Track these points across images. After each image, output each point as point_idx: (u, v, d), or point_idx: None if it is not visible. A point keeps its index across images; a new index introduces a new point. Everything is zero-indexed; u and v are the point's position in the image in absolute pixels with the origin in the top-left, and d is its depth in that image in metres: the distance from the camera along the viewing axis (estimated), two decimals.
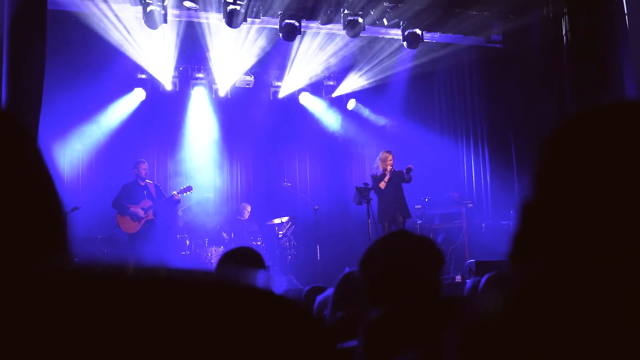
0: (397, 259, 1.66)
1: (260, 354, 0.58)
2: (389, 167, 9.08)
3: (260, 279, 0.60)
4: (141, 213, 9.03)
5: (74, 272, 0.57)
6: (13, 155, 0.61)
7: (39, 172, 0.63)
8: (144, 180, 9.29)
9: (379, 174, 9.18)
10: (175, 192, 9.39)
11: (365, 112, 12.27)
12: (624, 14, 7.64)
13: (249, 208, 10.46)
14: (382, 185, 9.04)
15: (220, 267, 2.73)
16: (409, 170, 8.99)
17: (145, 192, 9.20)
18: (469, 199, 10.72)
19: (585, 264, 0.65)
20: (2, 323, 0.52)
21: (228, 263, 2.67)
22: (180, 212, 9.69)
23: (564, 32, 9.05)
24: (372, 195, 8.73)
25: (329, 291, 2.63)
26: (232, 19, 9.02)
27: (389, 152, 9.27)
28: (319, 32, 10.36)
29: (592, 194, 0.67)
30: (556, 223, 0.69)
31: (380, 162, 9.21)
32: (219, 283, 0.61)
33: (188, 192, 9.52)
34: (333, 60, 11.28)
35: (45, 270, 0.57)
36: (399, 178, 9.12)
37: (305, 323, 0.62)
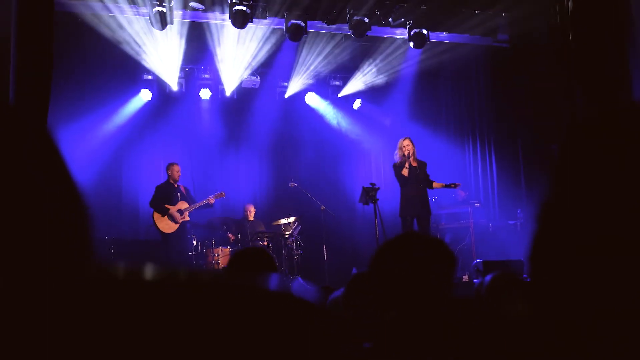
0: (409, 260, 1.65)
1: (281, 353, 0.59)
2: (406, 153, 8.59)
3: (281, 281, 0.61)
4: (178, 216, 9.22)
5: (103, 275, 0.58)
6: (35, 157, 0.62)
7: (61, 173, 0.63)
8: (176, 182, 9.44)
9: (398, 161, 8.69)
10: (210, 197, 9.49)
11: (372, 112, 12.28)
12: (631, 16, 7.60)
13: (252, 209, 10.47)
14: (405, 172, 8.55)
15: (231, 267, 2.73)
16: (455, 186, 8.89)
17: (178, 194, 9.37)
18: (475, 198, 10.71)
19: (606, 264, 0.65)
20: (30, 326, 0.53)
21: (239, 263, 2.67)
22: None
23: (571, 30, 9.02)
24: (379, 195, 8.64)
25: (339, 291, 2.63)
26: (238, 20, 9.03)
27: (405, 137, 8.82)
28: (324, 32, 10.36)
29: (611, 194, 0.67)
30: (576, 224, 0.69)
31: (398, 149, 8.71)
32: (242, 285, 0.61)
33: (221, 197, 9.69)
34: (339, 61, 11.28)
35: (75, 273, 0.57)
36: (424, 173, 8.72)
37: (326, 324, 0.63)
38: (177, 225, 9.23)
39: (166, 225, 9.22)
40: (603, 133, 0.72)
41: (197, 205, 9.46)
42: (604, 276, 0.65)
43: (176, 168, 9.45)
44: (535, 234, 0.74)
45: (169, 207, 9.23)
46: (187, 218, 9.32)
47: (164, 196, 9.31)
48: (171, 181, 9.43)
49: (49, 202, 0.60)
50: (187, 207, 9.34)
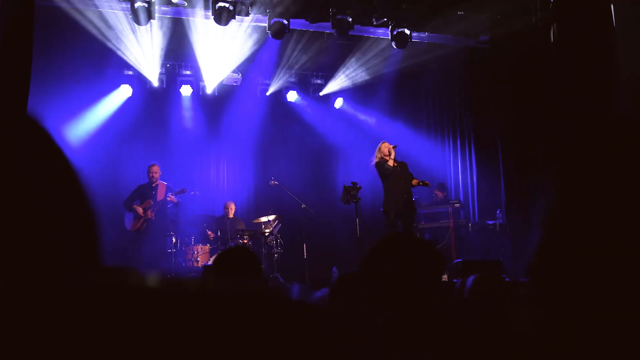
0: (400, 262, 1.66)
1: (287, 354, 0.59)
2: (386, 151, 8.60)
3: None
4: (140, 213, 9.28)
5: (107, 279, 0.57)
6: (42, 160, 0.61)
7: (65, 175, 0.62)
8: (154, 182, 9.49)
9: (377, 160, 8.70)
10: (170, 195, 9.44)
11: (353, 111, 12.30)
12: (612, 23, 7.69)
13: (232, 206, 10.44)
14: (390, 162, 8.54)
15: (216, 266, 2.73)
16: (425, 184, 8.80)
17: (153, 192, 9.42)
18: (455, 198, 10.77)
19: (616, 268, 0.65)
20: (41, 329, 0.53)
21: (224, 263, 2.67)
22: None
23: (552, 34, 9.10)
24: (361, 194, 8.64)
25: (322, 292, 2.64)
26: (220, 17, 8.99)
27: (383, 142, 8.81)
28: (307, 31, 10.34)
29: (619, 199, 0.67)
30: (584, 229, 0.69)
31: (377, 151, 8.73)
32: (239, 291, 0.61)
33: (183, 194, 9.59)
34: (321, 59, 11.28)
35: (78, 276, 0.57)
36: (405, 171, 8.75)
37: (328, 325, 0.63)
38: (139, 223, 9.28)
39: (130, 223, 9.38)
40: (610, 139, 0.72)
41: (159, 202, 9.40)
42: (614, 279, 0.65)
43: (152, 169, 9.53)
44: (541, 238, 0.74)
45: (134, 205, 9.37)
46: (150, 216, 9.29)
47: (139, 195, 9.46)
48: (150, 181, 9.46)
49: (51, 204, 0.59)
50: (152, 205, 9.36)
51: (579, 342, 0.67)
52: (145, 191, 9.49)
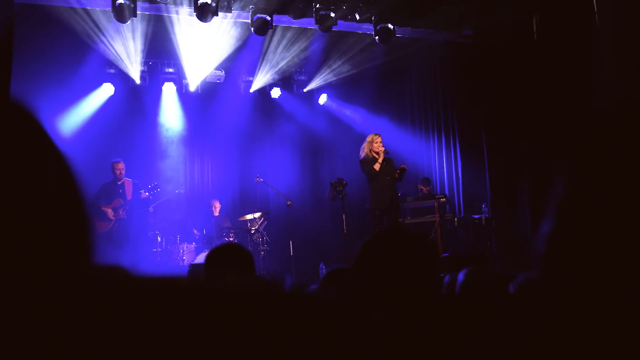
0: (394, 258, 1.64)
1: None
2: (376, 149, 8.62)
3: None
4: (110, 214, 9.02)
5: (102, 277, 0.55)
6: (32, 151, 0.58)
7: (60, 174, 0.60)
8: (120, 179, 9.24)
9: (364, 157, 8.72)
10: (142, 191, 9.30)
11: (337, 106, 12.29)
12: (595, 15, 7.72)
13: (217, 204, 10.42)
14: (377, 166, 8.55)
15: (209, 264, 2.71)
16: (402, 170, 8.68)
17: (120, 190, 9.15)
18: (440, 193, 10.80)
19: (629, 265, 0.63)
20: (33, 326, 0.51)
21: (216, 260, 2.65)
22: (151, 209, 9.59)
23: (534, 27, 9.14)
24: (347, 190, 8.65)
25: (312, 287, 2.62)
26: (202, 13, 8.94)
27: (377, 134, 8.85)
28: (290, 27, 10.31)
29: (631, 193, 0.66)
30: (596, 222, 0.67)
31: (367, 143, 8.73)
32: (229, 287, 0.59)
33: (156, 190, 9.45)
34: (305, 55, 11.26)
35: (72, 274, 0.55)
36: (391, 167, 8.74)
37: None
38: (110, 224, 9.03)
39: (98, 225, 9.01)
40: (626, 132, 0.70)
41: (132, 200, 9.23)
42: (620, 278, 0.64)
43: (117, 166, 9.28)
44: (551, 231, 0.72)
45: (101, 205, 9.03)
46: (121, 215, 9.10)
47: (104, 194, 9.14)
48: (115, 178, 9.29)
49: (44, 202, 0.57)
50: (122, 204, 9.12)
51: (580, 340, 0.66)
52: (112, 189, 9.20)
